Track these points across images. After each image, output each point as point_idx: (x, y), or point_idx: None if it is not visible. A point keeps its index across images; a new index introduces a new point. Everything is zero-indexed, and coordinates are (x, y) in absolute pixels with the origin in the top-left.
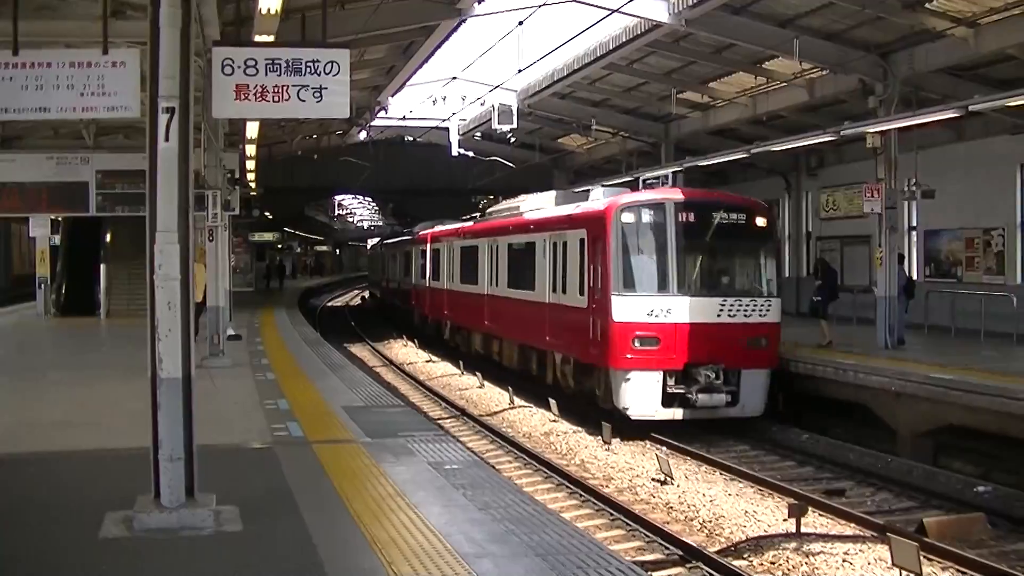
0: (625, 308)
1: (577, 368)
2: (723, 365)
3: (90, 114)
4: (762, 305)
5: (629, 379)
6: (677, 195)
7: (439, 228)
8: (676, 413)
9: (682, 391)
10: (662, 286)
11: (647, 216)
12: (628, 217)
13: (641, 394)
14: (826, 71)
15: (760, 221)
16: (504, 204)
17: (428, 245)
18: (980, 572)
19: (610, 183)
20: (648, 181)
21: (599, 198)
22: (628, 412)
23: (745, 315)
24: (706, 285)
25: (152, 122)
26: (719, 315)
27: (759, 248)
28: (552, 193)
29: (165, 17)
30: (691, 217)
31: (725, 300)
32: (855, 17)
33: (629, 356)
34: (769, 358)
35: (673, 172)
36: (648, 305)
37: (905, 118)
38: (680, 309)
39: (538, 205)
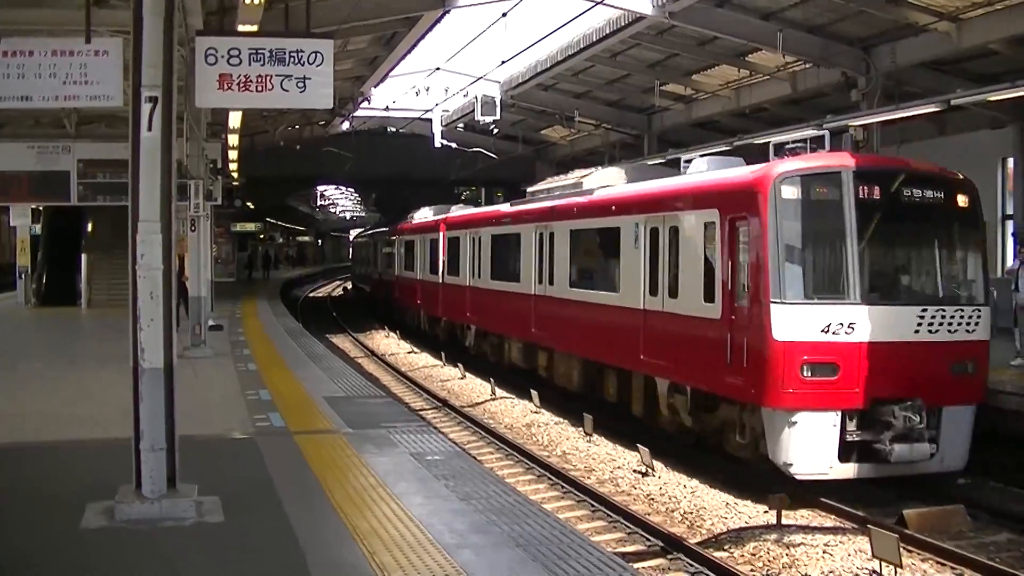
0: (791, 322)
1: (697, 401)
2: (920, 400)
3: (72, 103)
4: (970, 316)
5: (794, 422)
6: (853, 161)
7: (458, 213)
8: (858, 470)
9: (868, 439)
10: (841, 291)
11: (818, 191)
12: (791, 191)
13: (811, 444)
14: (809, 64)
15: (962, 199)
16: (554, 181)
17: (442, 233)
18: (959, 563)
19: (714, 151)
20: (790, 146)
21: (703, 169)
22: (792, 469)
23: (950, 330)
24: (899, 289)
25: (135, 111)
26: (917, 331)
27: (962, 237)
28: (618, 168)
29: (148, 5)
30: (874, 192)
31: (925, 310)
32: (838, 11)
33: (792, 390)
34: (976, 390)
35: (832, 131)
36: (824, 317)
37: (887, 112)
38: (866, 323)
39: (606, 181)
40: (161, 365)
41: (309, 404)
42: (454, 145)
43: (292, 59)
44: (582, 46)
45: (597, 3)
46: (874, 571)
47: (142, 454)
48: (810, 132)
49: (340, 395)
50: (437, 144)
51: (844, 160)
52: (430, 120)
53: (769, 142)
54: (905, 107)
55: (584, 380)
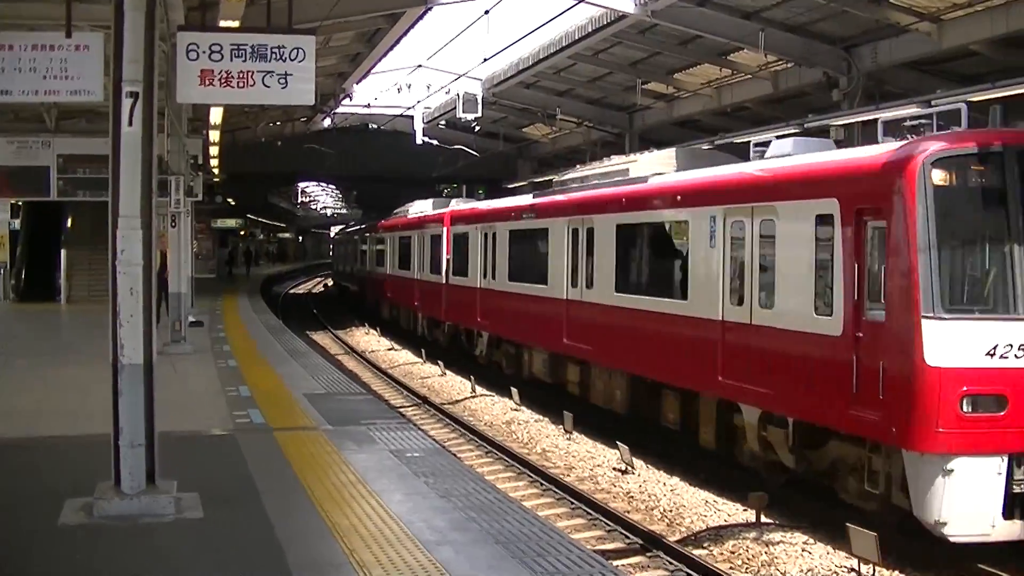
0: (949, 342)
1: (802, 435)
2: None
3: (53, 98)
4: None
5: (950, 471)
6: (1013, 139)
7: (467, 206)
8: None
9: None
10: (1009, 303)
11: (977, 176)
12: (944, 176)
13: (971, 497)
14: (791, 64)
15: None
16: (588, 169)
17: (446, 229)
18: (936, 562)
19: (795, 129)
20: (912, 122)
21: (788, 151)
22: (945, 530)
23: None
24: None
25: (115, 106)
26: None
27: None
28: (669, 151)
29: (129, 1)
30: None
31: None
32: (820, 10)
33: (948, 430)
34: None
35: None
36: (989, 337)
37: (868, 112)
38: None
39: (656, 168)
40: (141, 361)
41: (289, 401)
42: (436, 142)
43: (274, 55)
44: (564, 44)
45: (579, 1)
46: (852, 569)
47: (121, 450)
48: (791, 129)
49: (320, 392)
50: (419, 141)
51: (1001, 137)
52: (412, 117)
53: (878, 118)
54: (886, 107)
55: (630, 400)
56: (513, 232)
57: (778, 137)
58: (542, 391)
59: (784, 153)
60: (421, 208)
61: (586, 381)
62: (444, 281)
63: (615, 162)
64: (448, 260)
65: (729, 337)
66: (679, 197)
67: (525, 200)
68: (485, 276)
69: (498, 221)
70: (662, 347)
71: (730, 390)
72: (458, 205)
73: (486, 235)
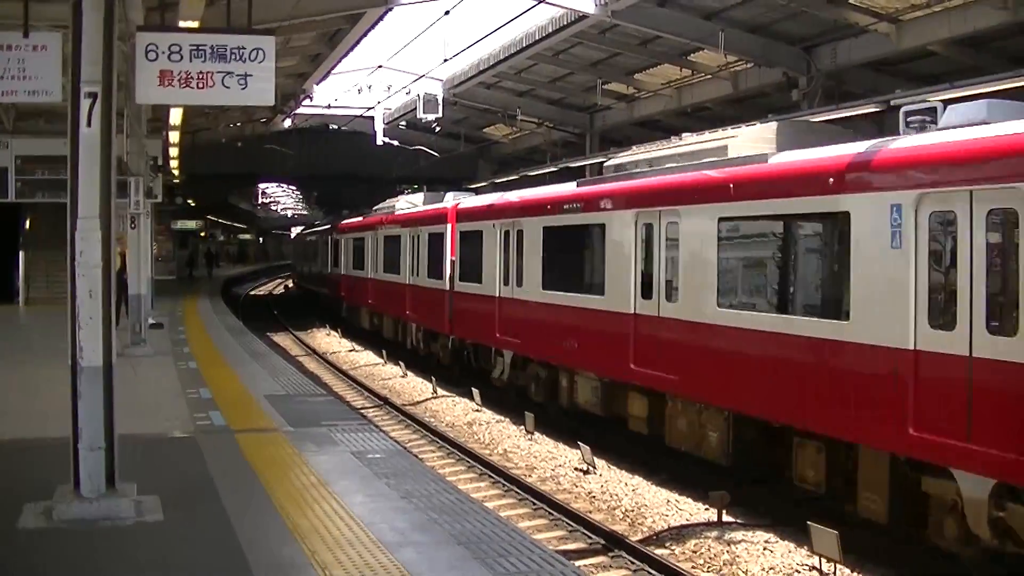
0: None
1: None
2: None
3: (10, 98)
4: None
5: None
6: None
7: (476, 199)
8: None
9: None
10: None
11: None
12: None
13: None
14: (751, 64)
15: None
16: (660, 148)
17: (450, 226)
18: (898, 558)
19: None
20: None
21: (978, 117)
22: None
23: None
24: None
25: (74, 107)
26: None
27: None
28: (769, 126)
29: (88, 0)
30: None
31: None
32: (780, 11)
33: None
34: None
35: None
36: None
37: (828, 111)
38: None
39: (758, 147)
40: (100, 363)
41: (250, 402)
42: (396, 143)
43: (233, 55)
44: (525, 44)
45: (540, 1)
46: (814, 567)
47: (80, 453)
48: None
49: (281, 393)
50: (379, 142)
51: None
52: (372, 118)
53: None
54: (845, 107)
55: (734, 445)
56: (549, 229)
57: (945, 103)
58: (588, 426)
59: (978, 120)
60: (411, 203)
61: (658, 417)
62: (448, 288)
63: (696, 140)
64: (454, 262)
65: (928, 373)
66: (832, 180)
67: (566, 189)
68: (508, 283)
69: (526, 216)
70: (802, 382)
71: (931, 448)
72: (462, 198)
73: (507, 233)
